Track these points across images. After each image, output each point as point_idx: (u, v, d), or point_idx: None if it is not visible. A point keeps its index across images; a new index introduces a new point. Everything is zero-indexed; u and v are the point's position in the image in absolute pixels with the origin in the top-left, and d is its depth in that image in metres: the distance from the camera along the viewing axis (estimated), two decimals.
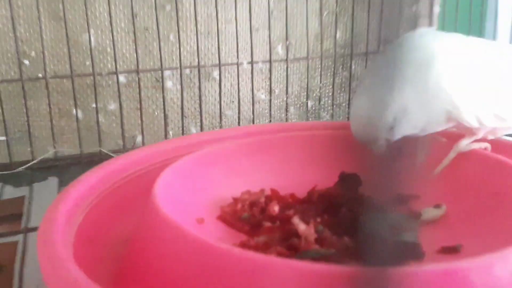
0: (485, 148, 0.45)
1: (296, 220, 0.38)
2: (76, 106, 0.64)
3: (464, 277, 0.26)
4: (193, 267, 0.28)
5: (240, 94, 0.71)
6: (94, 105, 0.65)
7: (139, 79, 0.66)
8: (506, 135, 0.63)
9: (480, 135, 0.44)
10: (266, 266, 0.26)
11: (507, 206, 0.40)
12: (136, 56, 0.65)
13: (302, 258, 0.35)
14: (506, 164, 0.42)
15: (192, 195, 0.42)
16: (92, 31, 0.64)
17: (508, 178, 0.41)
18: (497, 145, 0.46)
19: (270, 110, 0.74)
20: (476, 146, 0.44)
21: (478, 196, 0.42)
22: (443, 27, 0.77)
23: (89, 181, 0.40)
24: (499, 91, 0.42)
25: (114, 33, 0.64)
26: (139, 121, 0.67)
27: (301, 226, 0.37)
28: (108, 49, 0.65)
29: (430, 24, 0.78)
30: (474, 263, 0.27)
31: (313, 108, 0.77)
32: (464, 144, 0.43)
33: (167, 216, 0.31)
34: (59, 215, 0.34)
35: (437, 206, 0.43)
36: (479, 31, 0.70)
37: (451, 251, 0.37)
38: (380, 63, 0.41)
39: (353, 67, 0.76)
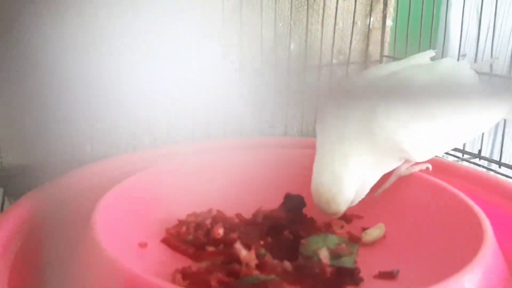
0: (426, 168, 0.46)
1: (238, 245, 0.38)
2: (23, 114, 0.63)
3: None
4: None
5: None
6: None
7: None
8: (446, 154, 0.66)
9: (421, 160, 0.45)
10: None
11: (444, 229, 0.41)
12: None
13: (242, 284, 0.36)
14: (445, 188, 0.43)
15: (136, 218, 0.42)
16: None
17: (446, 202, 0.43)
18: (436, 165, 0.47)
19: (225, 119, 0.74)
20: (417, 168, 0.45)
21: (417, 219, 0.44)
22: (394, 40, 0.78)
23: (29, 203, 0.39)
24: (442, 120, 0.43)
25: None
26: None
27: (243, 252, 0.38)
28: None
29: (383, 37, 0.80)
30: None
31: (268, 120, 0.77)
32: (404, 168, 0.45)
33: (101, 244, 0.31)
34: None
35: (377, 227, 0.44)
36: (430, 45, 0.72)
37: (387, 276, 0.38)
38: (329, 121, 0.43)
39: (306, 79, 0.77)
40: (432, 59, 0.49)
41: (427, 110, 0.42)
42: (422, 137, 0.41)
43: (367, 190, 0.42)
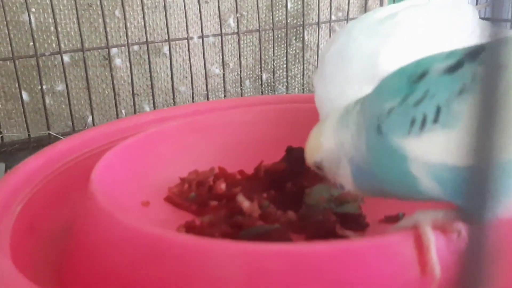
0: None
1: (240, 197, 0.38)
2: (20, 88, 0.62)
3: (386, 251, 0.26)
4: (127, 253, 0.28)
5: (193, 69, 0.70)
6: (40, 87, 0.63)
7: (85, 58, 0.64)
8: None
9: None
10: (197, 248, 0.26)
11: None
12: (80, 34, 0.63)
13: (246, 235, 0.35)
14: None
15: (138, 178, 0.41)
16: (33, 9, 0.61)
17: None
18: None
19: (224, 84, 0.73)
20: None
21: None
22: None
23: (28, 168, 0.39)
24: None
25: (56, 11, 0.62)
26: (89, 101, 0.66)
27: (245, 204, 0.37)
28: (52, 28, 0.63)
29: None
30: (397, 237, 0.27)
31: (268, 81, 0.76)
32: None
33: (100, 202, 0.31)
34: None
35: None
36: None
37: (393, 220, 0.38)
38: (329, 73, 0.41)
39: (306, 37, 0.76)
40: None
41: (425, 52, 0.40)
42: None
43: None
